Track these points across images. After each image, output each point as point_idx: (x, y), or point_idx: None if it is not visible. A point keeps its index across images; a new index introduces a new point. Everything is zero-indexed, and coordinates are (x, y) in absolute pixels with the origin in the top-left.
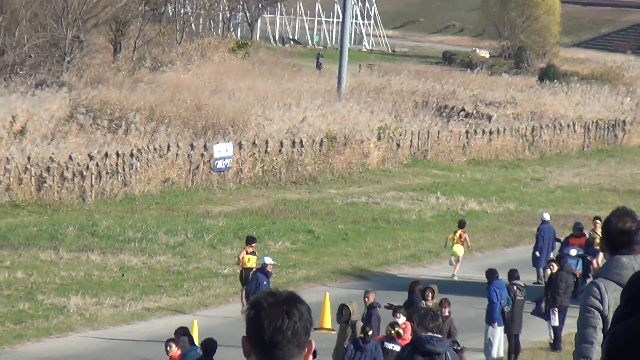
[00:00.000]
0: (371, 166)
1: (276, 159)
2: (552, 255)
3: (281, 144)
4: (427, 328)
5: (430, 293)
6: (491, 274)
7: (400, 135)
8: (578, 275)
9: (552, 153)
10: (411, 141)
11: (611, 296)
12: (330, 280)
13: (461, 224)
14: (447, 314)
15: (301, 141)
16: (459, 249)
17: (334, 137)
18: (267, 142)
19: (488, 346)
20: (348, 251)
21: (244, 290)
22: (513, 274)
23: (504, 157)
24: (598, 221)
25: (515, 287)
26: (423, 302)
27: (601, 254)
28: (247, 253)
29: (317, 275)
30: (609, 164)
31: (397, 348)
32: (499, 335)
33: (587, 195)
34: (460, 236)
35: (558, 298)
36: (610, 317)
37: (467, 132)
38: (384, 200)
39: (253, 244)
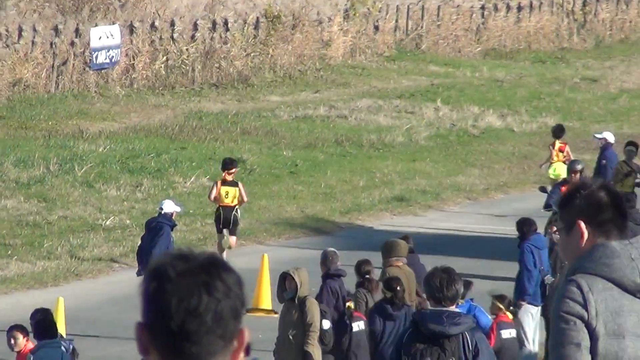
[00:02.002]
0: (335, 60)
1: (187, 50)
2: None
3: (195, 26)
4: (437, 298)
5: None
6: (525, 225)
7: (380, 11)
8: None
9: (615, 39)
10: (396, 21)
11: (599, 298)
12: (271, 236)
13: (558, 131)
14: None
15: (226, 22)
16: (561, 169)
17: (277, 16)
18: (172, 24)
19: (519, 335)
20: (298, 191)
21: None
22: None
23: (540, 45)
24: None
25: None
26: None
27: None
28: (224, 183)
29: (250, 228)
30: None
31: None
32: (533, 320)
33: None
34: (561, 150)
35: None
36: (600, 328)
37: (483, 7)
38: (354, 113)
39: (232, 170)
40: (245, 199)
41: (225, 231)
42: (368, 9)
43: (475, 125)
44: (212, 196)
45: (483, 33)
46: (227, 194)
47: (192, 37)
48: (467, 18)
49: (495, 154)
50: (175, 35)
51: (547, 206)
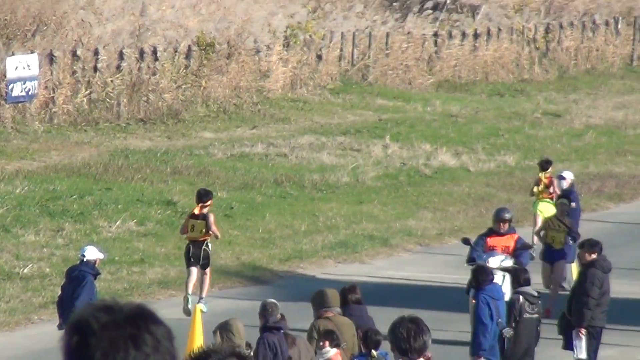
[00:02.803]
0: (274, 93)
1: (112, 82)
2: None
3: (120, 55)
4: (403, 350)
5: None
6: (481, 274)
7: (323, 39)
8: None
9: (580, 70)
10: (341, 50)
11: None
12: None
13: (544, 164)
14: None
15: (154, 50)
16: (546, 208)
17: (211, 44)
18: (96, 52)
19: None
20: (234, 236)
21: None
22: (519, 277)
23: (498, 76)
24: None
25: (522, 297)
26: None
27: None
28: (192, 216)
29: (180, 276)
30: None
31: None
32: None
33: (637, 142)
34: (546, 186)
35: (587, 312)
36: None
37: (436, 34)
38: (295, 151)
39: (208, 202)
40: (217, 234)
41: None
42: (310, 36)
43: (427, 164)
44: (183, 231)
45: (436, 63)
46: (192, 228)
47: (118, 67)
48: (418, 47)
49: (450, 196)
50: (99, 66)
51: (470, 260)
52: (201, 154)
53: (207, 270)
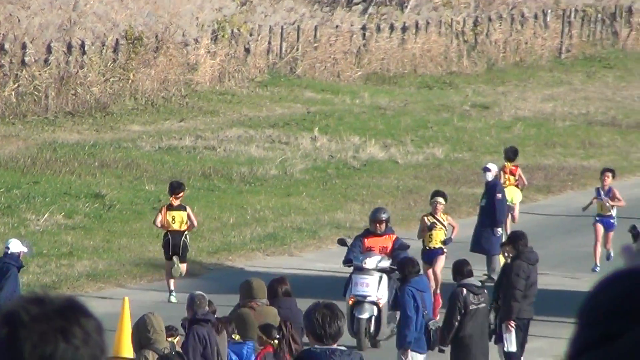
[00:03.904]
0: (202, 86)
1: (40, 75)
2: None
3: (48, 48)
4: (318, 335)
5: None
6: (407, 266)
7: (251, 34)
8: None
9: (509, 62)
10: (269, 44)
11: None
12: (133, 277)
13: (510, 154)
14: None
15: (82, 44)
16: (514, 193)
17: (139, 38)
18: (23, 46)
19: None
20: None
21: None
22: (462, 269)
23: (427, 69)
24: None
25: (465, 289)
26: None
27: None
28: (170, 208)
29: (109, 269)
30: (603, 80)
31: None
32: None
33: (566, 133)
34: (512, 173)
35: (514, 305)
36: None
37: (364, 27)
38: (223, 144)
39: (180, 194)
40: (195, 224)
41: (175, 258)
42: (238, 29)
43: (355, 157)
44: (158, 222)
45: (364, 56)
46: (173, 219)
47: (46, 61)
48: (346, 40)
49: (378, 188)
50: (26, 59)
51: (346, 262)
52: (129, 147)
53: (184, 265)
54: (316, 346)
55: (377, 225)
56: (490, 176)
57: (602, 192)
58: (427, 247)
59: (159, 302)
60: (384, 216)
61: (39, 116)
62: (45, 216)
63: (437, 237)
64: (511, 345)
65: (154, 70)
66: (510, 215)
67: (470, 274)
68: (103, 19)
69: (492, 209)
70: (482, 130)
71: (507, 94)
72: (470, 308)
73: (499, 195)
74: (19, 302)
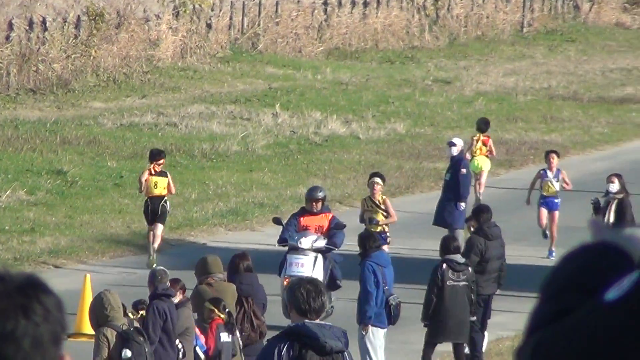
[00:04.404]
0: (163, 62)
1: (2, 52)
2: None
3: (9, 25)
4: (302, 310)
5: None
6: (368, 241)
7: (213, 9)
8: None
9: (471, 37)
10: (231, 19)
11: None
12: (94, 254)
13: (482, 125)
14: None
15: (44, 20)
16: (484, 162)
17: (100, 14)
18: None
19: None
20: (124, 205)
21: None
22: (448, 245)
23: (388, 44)
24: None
25: (445, 264)
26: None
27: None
28: (152, 174)
29: (71, 246)
30: (565, 53)
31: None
32: (378, 343)
33: (528, 108)
34: (484, 143)
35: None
36: None
37: (325, 2)
38: (185, 120)
39: (161, 161)
40: (173, 190)
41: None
42: (200, 5)
43: (317, 133)
44: (143, 179)
45: (326, 31)
46: (156, 185)
47: (7, 37)
48: (308, 15)
49: (340, 163)
50: None
51: (281, 241)
52: (91, 124)
53: (161, 226)
54: (306, 321)
55: (314, 203)
56: (455, 151)
57: (549, 174)
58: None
59: (121, 280)
60: (320, 195)
61: (0, 93)
62: (8, 192)
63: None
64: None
65: (116, 47)
66: (475, 182)
67: (457, 250)
68: None
69: (456, 183)
70: (443, 105)
71: (469, 69)
72: (448, 284)
73: (464, 170)
74: None
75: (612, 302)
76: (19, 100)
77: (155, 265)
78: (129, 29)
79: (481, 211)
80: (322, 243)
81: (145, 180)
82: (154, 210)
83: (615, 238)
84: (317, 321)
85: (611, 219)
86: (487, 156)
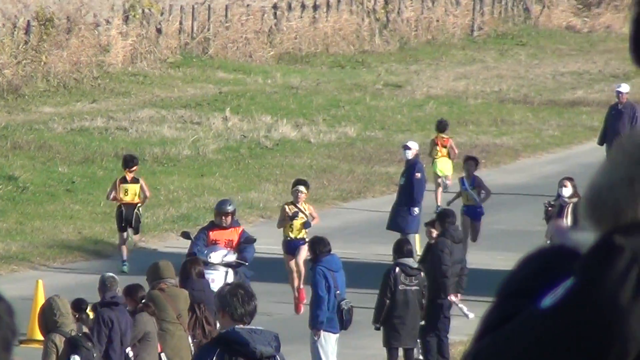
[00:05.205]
0: (114, 67)
1: None
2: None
3: None
4: (239, 316)
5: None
6: (319, 246)
7: (162, 14)
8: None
9: (421, 40)
10: (180, 24)
11: None
12: (46, 260)
13: (441, 126)
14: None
15: None
16: (444, 165)
17: (50, 19)
18: None
19: None
20: (75, 211)
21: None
22: (402, 248)
23: (339, 48)
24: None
25: (398, 269)
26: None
27: None
28: (123, 181)
29: (22, 252)
30: (516, 57)
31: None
32: (330, 349)
33: (479, 111)
34: (444, 145)
35: (445, 281)
36: None
37: (275, 6)
38: (135, 125)
39: (134, 168)
40: (147, 195)
41: (130, 230)
42: (149, 9)
43: (268, 137)
44: (111, 196)
45: (276, 35)
46: (126, 192)
47: None
48: (258, 19)
49: (291, 168)
50: None
51: (191, 255)
52: (41, 128)
53: (137, 236)
54: (237, 327)
55: (223, 217)
56: (410, 154)
57: (466, 182)
58: (288, 238)
59: (71, 284)
60: (229, 208)
61: None
62: None
63: (299, 227)
64: (470, 313)
65: (66, 52)
66: (443, 185)
67: (409, 253)
68: (14, 1)
69: (410, 187)
70: (394, 109)
71: (420, 73)
72: (400, 288)
73: (418, 175)
74: None
75: (546, 309)
76: None
77: (126, 269)
78: (79, 35)
79: (446, 215)
80: (232, 258)
81: (118, 187)
82: (127, 218)
83: (575, 242)
84: (248, 326)
85: (569, 223)
86: (448, 156)
